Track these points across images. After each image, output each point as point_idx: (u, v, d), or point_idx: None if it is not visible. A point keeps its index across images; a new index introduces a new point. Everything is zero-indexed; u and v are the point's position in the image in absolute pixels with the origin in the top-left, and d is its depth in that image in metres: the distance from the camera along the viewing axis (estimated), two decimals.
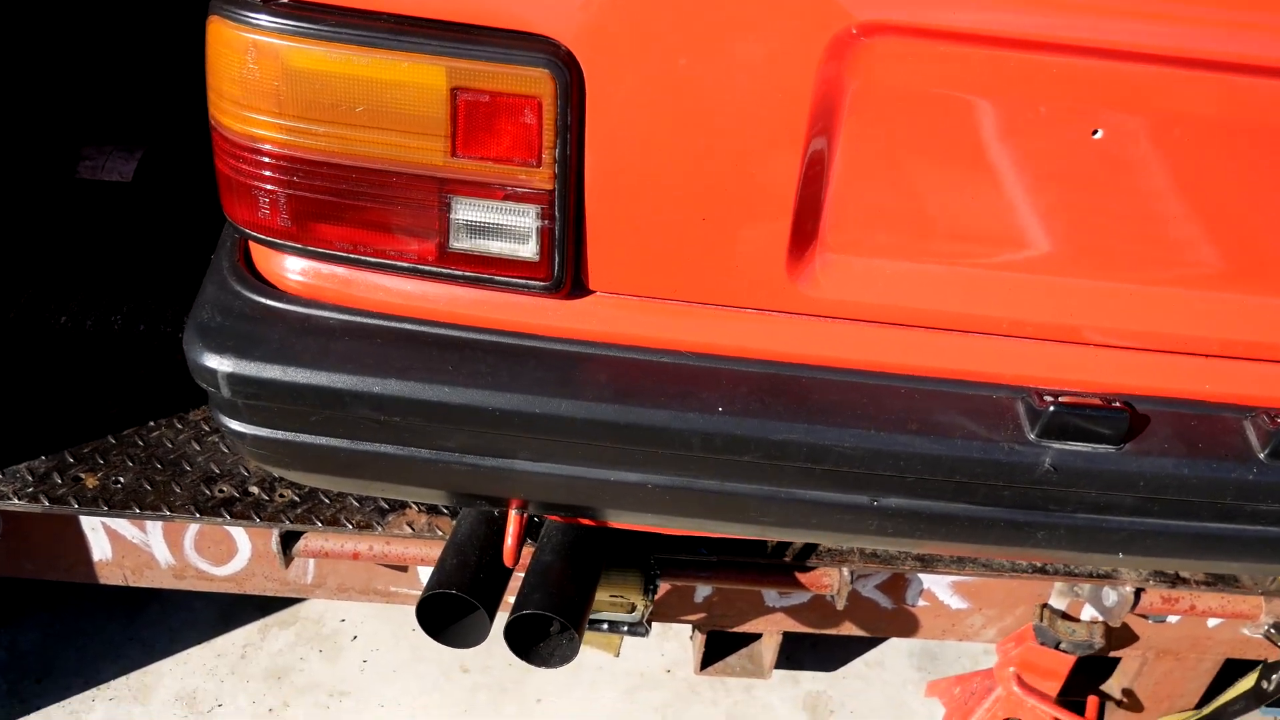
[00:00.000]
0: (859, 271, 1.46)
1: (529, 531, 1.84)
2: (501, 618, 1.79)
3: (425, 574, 2.31)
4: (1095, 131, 1.35)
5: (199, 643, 2.65)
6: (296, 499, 2.12)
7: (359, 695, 2.59)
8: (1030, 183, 1.39)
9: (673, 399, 1.45)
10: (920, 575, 2.32)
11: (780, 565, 2.16)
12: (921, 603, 2.40)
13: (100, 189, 2.97)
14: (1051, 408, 1.44)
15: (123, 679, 2.56)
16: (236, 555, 2.29)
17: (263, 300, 1.50)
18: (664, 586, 2.22)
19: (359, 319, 1.49)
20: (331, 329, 1.48)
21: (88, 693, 2.52)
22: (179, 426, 2.24)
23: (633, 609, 2.14)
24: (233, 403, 1.49)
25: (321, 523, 2.08)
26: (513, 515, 1.70)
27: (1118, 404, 1.46)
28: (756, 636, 2.66)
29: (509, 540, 1.69)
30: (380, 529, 2.09)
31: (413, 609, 1.76)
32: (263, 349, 1.45)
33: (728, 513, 1.58)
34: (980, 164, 1.37)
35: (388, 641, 2.69)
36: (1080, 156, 1.38)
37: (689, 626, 2.76)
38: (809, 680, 2.73)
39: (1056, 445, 1.45)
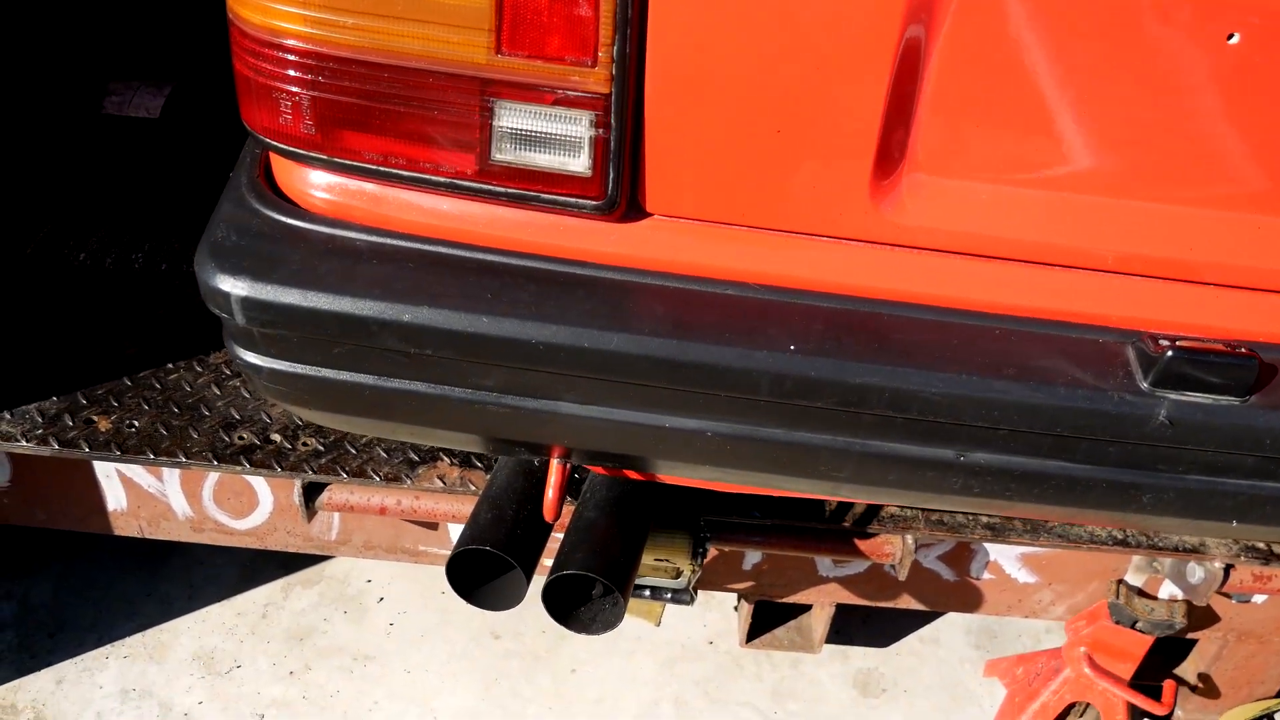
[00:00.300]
0: (952, 195, 1.29)
1: (571, 487, 1.69)
2: (538, 581, 1.65)
3: (456, 532, 2.17)
4: (1231, 36, 1.18)
5: (219, 600, 2.53)
6: (321, 448, 1.98)
7: (384, 660, 2.47)
8: (1153, 95, 1.22)
9: (738, 335, 1.29)
10: (987, 545, 2.16)
11: (839, 531, 2.00)
12: (987, 576, 2.24)
13: (126, 125, 2.84)
14: (1169, 353, 1.27)
15: (138, 636, 2.44)
16: (257, 508, 2.16)
17: (283, 219, 1.36)
18: (712, 551, 2.07)
19: (389, 240, 1.34)
20: (358, 251, 1.33)
21: (101, 649, 2.41)
22: (198, 369, 2.11)
23: (678, 575, 1.99)
24: (248, 331, 1.35)
25: (347, 474, 1.94)
26: (554, 466, 1.55)
27: (1243, 350, 1.29)
28: (806, 608, 2.51)
29: (549, 494, 1.55)
30: (409, 482, 1.95)
31: (442, 569, 1.62)
32: (282, 271, 1.31)
33: (795, 467, 1.42)
34: (1097, 73, 1.20)
35: (415, 604, 2.56)
36: (1212, 65, 1.20)
37: (734, 596, 2.62)
38: (859, 656, 2.57)
39: (1173, 396, 1.28)
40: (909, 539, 2.00)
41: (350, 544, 2.24)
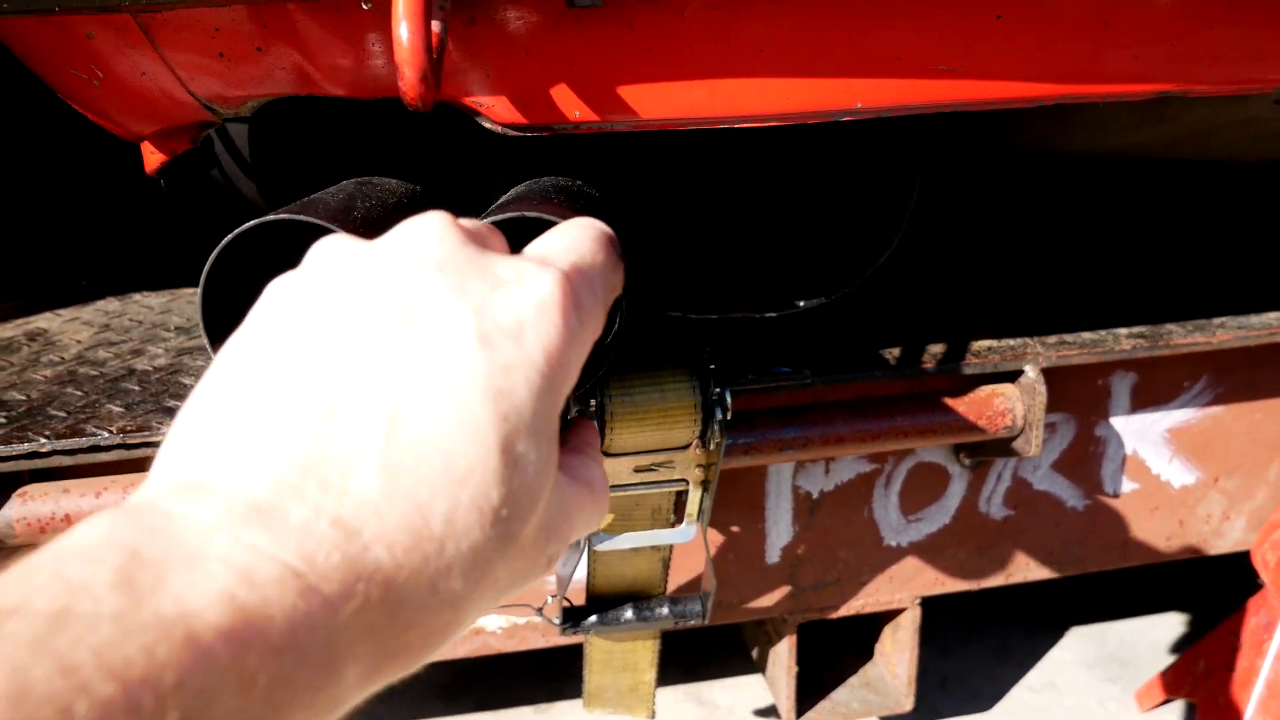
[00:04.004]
0: None
1: None
2: None
3: None
4: None
5: None
6: (0, 420, 1.10)
7: None
8: None
9: None
10: (1120, 427, 1.40)
11: (917, 373, 1.21)
12: (1127, 486, 1.45)
13: None
14: None
15: None
16: None
17: None
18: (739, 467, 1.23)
19: None
20: None
21: None
22: None
23: (676, 501, 1.12)
24: None
25: (49, 439, 1.05)
26: None
27: None
28: (867, 656, 1.63)
29: None
30: (166, 430, 1.07)
31: None
32: None
33: None
34: None
35: None
36: None
37: (731, 689, 1.69)
38: None
39: None
40: (1029, 372, 1.22)
41: None
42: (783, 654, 1.48)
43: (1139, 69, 0.85)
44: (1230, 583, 1.85)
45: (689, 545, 1.29)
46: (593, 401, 0.97)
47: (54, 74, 0.86)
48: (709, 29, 0.75)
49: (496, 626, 1.35)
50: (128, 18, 0.73)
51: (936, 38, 0.79)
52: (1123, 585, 1.95)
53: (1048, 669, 1.81)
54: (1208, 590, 1.92)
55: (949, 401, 1.22)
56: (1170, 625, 1.89)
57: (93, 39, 0.77)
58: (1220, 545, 1.53)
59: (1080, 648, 1.85)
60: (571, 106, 0.77)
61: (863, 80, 0.80)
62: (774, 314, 1.10)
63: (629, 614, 1.25)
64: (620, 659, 1.36)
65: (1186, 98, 0.90)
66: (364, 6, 0.67)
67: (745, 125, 0.80)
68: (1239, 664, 1.52)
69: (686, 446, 1.05)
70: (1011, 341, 1.25)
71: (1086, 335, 1.27)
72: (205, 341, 0.66)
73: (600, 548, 1.13)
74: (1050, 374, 1.29)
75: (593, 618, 1.24)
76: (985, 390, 1.23)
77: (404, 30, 0.63)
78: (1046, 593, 1.93)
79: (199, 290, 0.64)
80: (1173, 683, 1.64)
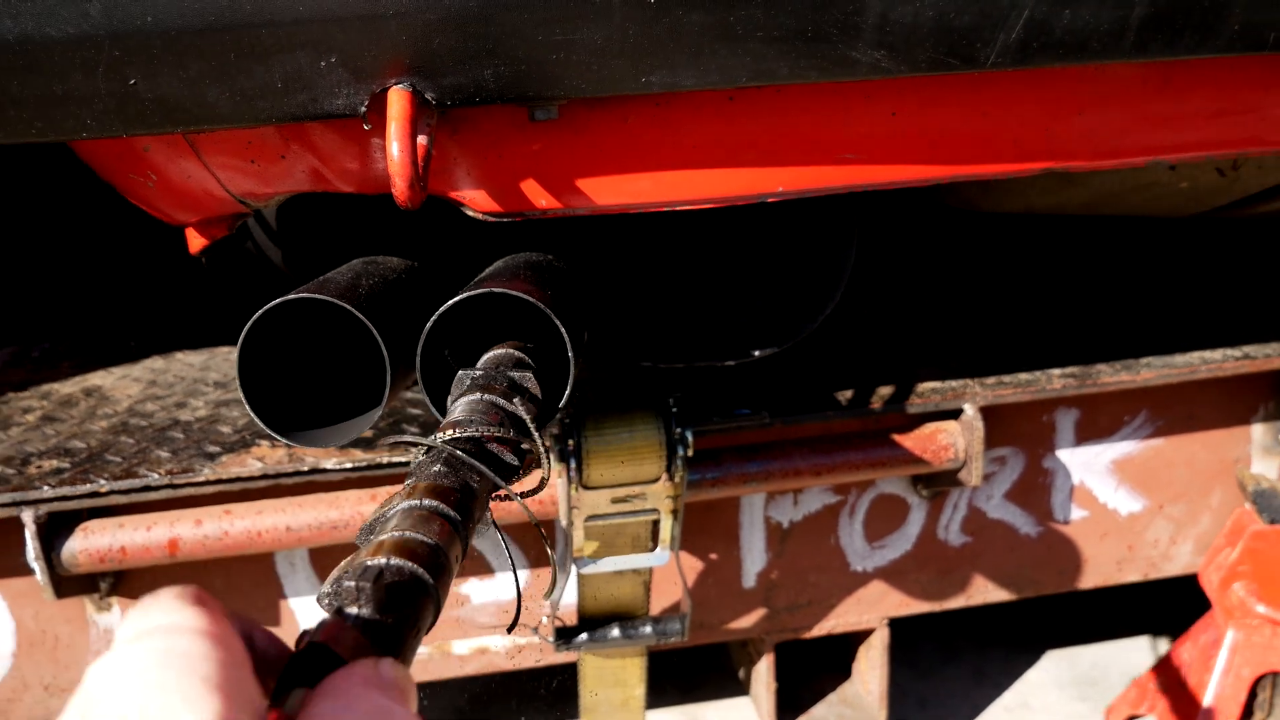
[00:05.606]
0: None
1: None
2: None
3: (300, 584, 1.41)
4: None
5: None
6: (66, 465, 1.27)
7: None
8: None
9: None
10: (1066, 459, 1.54)
11: (865, 413, 1.36)
12: (1077, 513, 1.59)
13: None
14: None
15: None
16: None
17: None
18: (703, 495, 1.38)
19: None
20: None
21: None
22: None
23: (653, 529, 1.28)
24: None
25: (109, 479, 1.22)
26: (396, 102, 0.86)
27: None
28: (845, 674, 1.76)
29: (394, 149, 0.87)
30: (208, 470, 1.24)
31: None
32: None
33: None
34: None
35: None
36: None
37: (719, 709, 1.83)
38: None
39: None
40: (967, 410, 1.37)
41: None
42: (763, 672, 1.61)
43: (1019, 151, 1.01)
44: (1195, 605, 1.97)
45: (671, 572, 1.43)
46: (570, 441, 1.13)
47: (115, 176, 1.04)
48: (647, 132, 0.92)
49: (500, 647, 1.50)
50: (179, 135, 0.91)
51: (842, 132, 0.96)
52: (1095, 610, 2.07)
53: (1022, 689, 1.93)
54: (1176, 615, 2.04)
55: (896, 437, 1.36)
56: (1139, 648, 2.01)
57: (149, 151, 0.95)
58: (1169, 569, 1.65)
59: (1054, 669, 1.97)
60: (538, 197, 0.94)
61: (782, 169, 0.96)
62: (733, 362, 1.26)
63: (615, 632, 1.40)
64: (612, 675, 1.50)
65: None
66: (365, 128, 0.84)
67: (684, 209, 0.96)
68: (1190, 679, 1.64)
69: (655, 480, 1.20)
70: (953, 383, 1.40)
71: (1022, 376, 1.42)
72: (242, 397, 0.82)
73: (585, 571, 1.29)
74: (996, 411, 1.44)
75: (583, 635, 1.38)
76: (929, 427, 1.38)
77: (395, 148, 0.80)
78: (1021, 618, 2.05)
79: (236, 354, 0.81)
80: (1135, 699, 1.76)
